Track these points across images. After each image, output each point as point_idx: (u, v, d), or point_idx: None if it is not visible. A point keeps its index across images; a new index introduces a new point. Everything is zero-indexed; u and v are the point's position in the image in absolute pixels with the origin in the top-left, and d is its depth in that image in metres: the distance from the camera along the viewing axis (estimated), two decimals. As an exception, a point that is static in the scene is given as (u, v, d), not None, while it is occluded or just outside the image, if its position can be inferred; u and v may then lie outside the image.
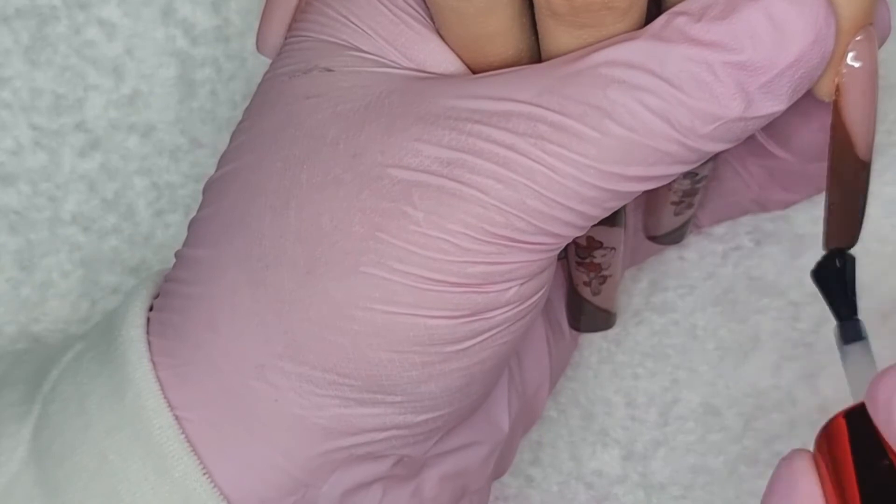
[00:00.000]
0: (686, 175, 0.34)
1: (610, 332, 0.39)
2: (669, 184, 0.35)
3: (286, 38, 0.32)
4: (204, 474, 0.29)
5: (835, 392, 0.41)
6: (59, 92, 0.39)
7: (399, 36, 0.30)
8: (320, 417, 0.30)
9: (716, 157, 0.35)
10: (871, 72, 0.29)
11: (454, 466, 0.33)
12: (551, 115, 0.28)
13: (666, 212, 0.36)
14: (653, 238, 0.37)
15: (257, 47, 0.33)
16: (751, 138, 0.36)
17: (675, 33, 0.27)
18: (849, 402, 0.41)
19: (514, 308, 0.30)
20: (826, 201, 0.31)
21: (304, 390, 0.29)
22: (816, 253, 0.41)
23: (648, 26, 0.28)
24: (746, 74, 0.27)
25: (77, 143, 0.39)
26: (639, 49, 0.28)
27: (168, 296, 0.31)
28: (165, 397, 0.30)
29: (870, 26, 0.28)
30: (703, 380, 0.41)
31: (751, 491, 0.42)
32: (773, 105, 0.28)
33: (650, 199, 0.36)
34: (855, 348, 0.30)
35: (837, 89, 0.29)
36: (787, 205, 0.37)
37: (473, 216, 0.28)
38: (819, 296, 0.41)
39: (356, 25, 0.30)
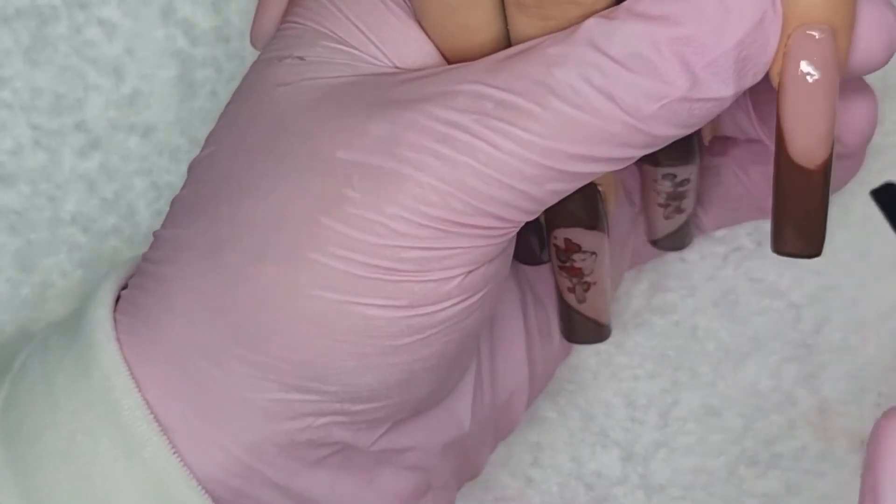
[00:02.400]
0: (665, 177, 0.34)
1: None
2: (654, 185, 0.35)
3: (281, 24, 0.32)
4: (174, 453, 0.29)
5: (835, 393, 0.41)
6: (59, 92, 0.39)
7: (381, 23, 0.30)
8: (262, 400, 0.30)
9: (699, 161, 0.35)
10: (822, 75, 0.28)
11: (412, 460, 0.33)
12: (496, 91, 0.28)
13: (655, 214, 0.36)
14: (652, 243, 0.37)
15: (251, 41, 0.33)
16: (755, 144, 0.36)
17: (624, 11, 0.27)
18: (847, 403, 0.42)
19: (456, 304, 0.29)
20: (772, 203, 0.30)
21: (247, 373, 0.29)
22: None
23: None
24: (691, 51, 0.27)
25: (77, 143, 0.39)
26: (587, 27, 0.28)
27: (138, 274, 0.31)
28: (133, 377, 0.30)
29: (826, 28, 0.28)
30: (703, 381, 0.41)
31: (751, 492, 0.42)
32: (719, 88, 0.27)
33: (643, 202, 0.36)
34: None
35: (780, 83, 0.28)
36: None
37: (410, 196, 0.28)
38: (820, 297, 0.41)
39: (339, 11, 0.30)
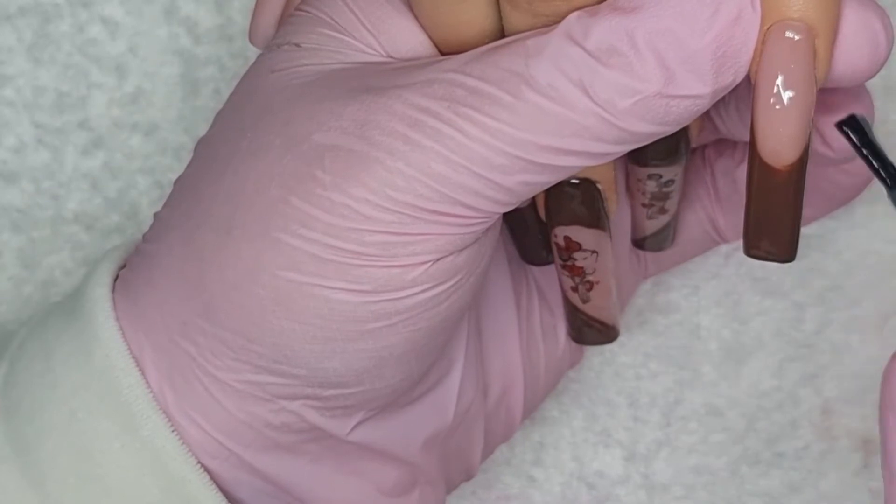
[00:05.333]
0: (650, 177, 0.34)
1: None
2: (639, 185, 0.34)
3: (292, 12, 0.32)
4: (172, 431, 0.30)
5: (837, 393, 0.41)
6: (63, 90, 0.39)
7: (378, 13, 0.30)
8: (234, 381, 0.30)
9: (685, 162, 0.34)
10: (795, 77, 0.27)
11: (394, 452, 0.33)
12: (470, 80, 0.28)
13: (639, 214, 0.36)
14: (635, 243, 0.37)
15: (249, 39, 0.33)
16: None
17: (605, 6, 0.27)
18: (849, 403, 0.41)
19: (423, 292, 0.29)
20: (745, 204, 0.29)
21: (219, 351, 0.30)
22: (822, 254, 0.41)
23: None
24: (667, 46, 0.27)
25: (80, 141, 0.39)
26: (567, 21, 0.27)
27: (134, 254, 0.32)
28: (133, 356, 0.30)
29: (803, 27, 0.27)
30: (705, 380, 0.41)
31: (753, 491, 0.42)
32: (695, 86, 0.27)
33: (631, 202, 0.36)
34: None
35: (754, 80, 0.28)
36: (806, 220, 0.36)
37: (377, 180, 0.28)
38: (822, 297, 0.41)
39: (342, 1, 0.30)
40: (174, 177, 0.40)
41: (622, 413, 0.41)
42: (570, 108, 0.27)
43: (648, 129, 0.27)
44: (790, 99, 0.27)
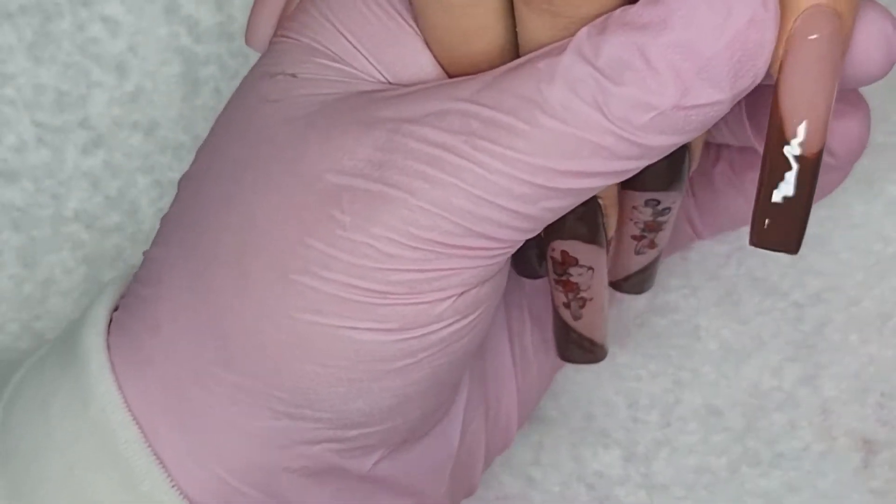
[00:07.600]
0: (647, 203, 0.33)
1: (613, 333, 0.39)
2: (631, 214, 0.33)
3: (273, 39, 0.31)
4: (172, 486, 0.29)
5: (836, 393, 0.41)
6: (63, 89, 0.39)
7: (375, 37, 0.29)
8: (253, 427, 0.29)
9: (683, 187, 0.33)
10: (828, 52, 0.27)
11: (407, 484, 0.33)
12: (485, 110, 0.27)
13: (626, 246, 0.34)
14: (615, 284, 0.35)
15: (246, 41, 0.32)
16: (749, 150, 0.35)
17: (613, 21, 0.27)
18: (848, 403, 0.41)
19: (448, 326, 0.29)
20: (756, 193, 0.28)
21: (237, 398, 0.29)
22: (820, 254, 0.41)
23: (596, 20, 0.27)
24: (680, 58, 0.26)
25: (80, 140, 0.39)
26: (577, 40, 0.27)
27: (128, 295, 0.31)
28: (129, 409, 0.29)
29: (826, 8, 0.27)
30: (705, 380, 0.41)
31: (752, 491, 0.42)
32: (713, 93, 0.26)
33: (615, 234, 0.35)
34: None
35: (780, 68, 0.27)
36: None
37: (399, 219, 0.27)
38: (821, 297, 0.41)
39: (332, 26, 0.30)
40: (174, 176, 0.40)
41: (621, 413, 0.41)
42: (586, 129, 0.27)
43: (668, 140, 0.27)
44: (823, 76, 0.27)
